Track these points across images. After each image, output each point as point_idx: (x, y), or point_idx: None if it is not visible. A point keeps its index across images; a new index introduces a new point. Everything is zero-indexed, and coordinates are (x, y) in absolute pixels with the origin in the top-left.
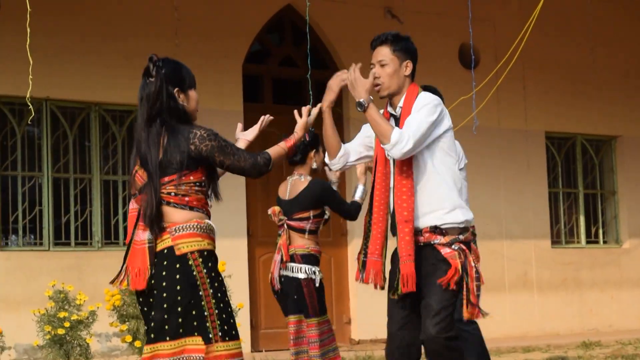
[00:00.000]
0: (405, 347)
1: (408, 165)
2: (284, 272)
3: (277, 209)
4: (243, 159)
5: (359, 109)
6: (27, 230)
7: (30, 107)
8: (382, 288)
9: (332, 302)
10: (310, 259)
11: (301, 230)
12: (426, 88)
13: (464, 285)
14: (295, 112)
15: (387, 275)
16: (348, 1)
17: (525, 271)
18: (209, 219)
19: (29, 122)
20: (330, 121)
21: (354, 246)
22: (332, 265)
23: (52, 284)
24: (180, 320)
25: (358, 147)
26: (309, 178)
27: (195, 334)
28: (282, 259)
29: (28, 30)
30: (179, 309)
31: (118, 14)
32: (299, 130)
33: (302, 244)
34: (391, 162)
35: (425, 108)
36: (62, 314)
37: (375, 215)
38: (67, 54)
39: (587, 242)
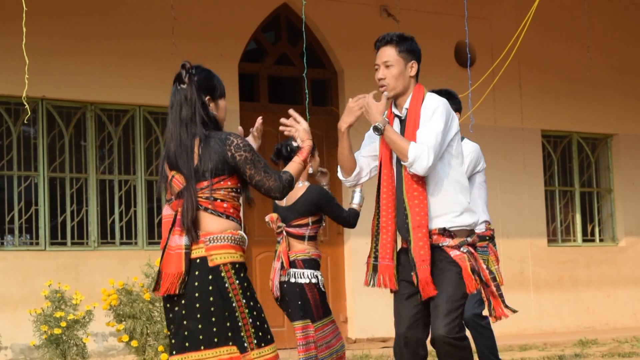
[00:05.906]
0: (414, 346)
1: None
2: (285, 278)
3: (274, 216)
4: (273, 179)
5: (376, 133)
6: (23, 230)
7: (26, 106)
8: (396, 292)
9: (329, 301)
10: (312, 263)
11: (300, 237)
12: (444, 92)
13: (482, 289)
14: (291, 112)
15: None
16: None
17: (521, 269)
18: (242, 228)
19: (24, 122)
20: (348, 142)
21: (350, 245)
22: (329, 265)
23: (49, 283)
24: (214, 329)
25: (366, 159)
26: (306, 184)
27: (230, 343)
28: (282, 265)
29: (24, 29)
30: (213, 319)
31: (114, 13)
32: (305, 139)
33: (302, 248)
34: (394, 165)
35: (437, 114)
36: (58, 314)
37: (384, 219)
38: (63, 54)
39: (584, 241)
